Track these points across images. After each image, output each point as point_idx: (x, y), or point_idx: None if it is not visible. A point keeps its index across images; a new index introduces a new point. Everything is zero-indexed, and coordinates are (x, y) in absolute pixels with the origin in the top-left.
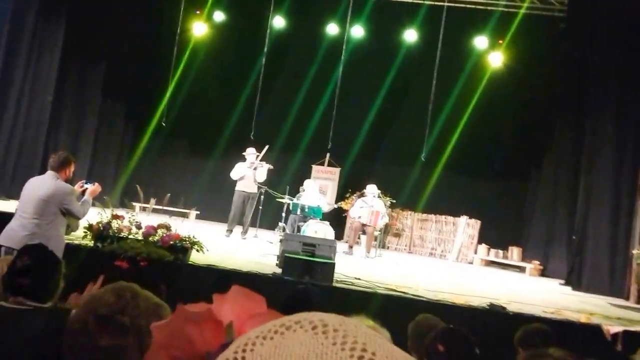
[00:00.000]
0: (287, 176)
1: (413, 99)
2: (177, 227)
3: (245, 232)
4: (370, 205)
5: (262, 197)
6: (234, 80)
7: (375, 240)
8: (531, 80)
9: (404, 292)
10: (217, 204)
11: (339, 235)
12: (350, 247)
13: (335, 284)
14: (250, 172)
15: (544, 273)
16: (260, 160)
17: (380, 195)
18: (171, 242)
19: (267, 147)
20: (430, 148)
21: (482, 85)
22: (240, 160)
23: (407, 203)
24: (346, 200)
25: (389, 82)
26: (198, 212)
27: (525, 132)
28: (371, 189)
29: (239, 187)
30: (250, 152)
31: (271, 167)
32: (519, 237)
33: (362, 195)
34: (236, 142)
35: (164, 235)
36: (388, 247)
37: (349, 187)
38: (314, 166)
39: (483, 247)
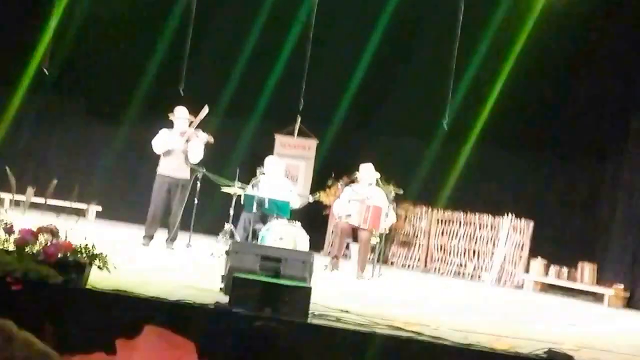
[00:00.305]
0: (236, 153)
1: (429, 41)
2: (68, 231)
3: (172, 239)
4: (365, 198)
5: (199, 184)
6: (155, 7)
7: (373, 251)
8: (606, 15)
9: (417, 332)
10: (128, 195)
11: (317, 244)
12: (335, 261)
13: (311, 320)
14: (180, 145)
15: (630, 303)
16: (196, 129)
17: (381, 181)
18: (59, 255)
19: (205, 108)
20: (456, 111)
21: (532, 22)
22: (165, 126)
23: (422, 195)
24: (327, 190)
25: (391, 15)
26: (100, 209)
27: (600, 94)
28: (366, 173)
29: (162, 169)
30: (181, 115)
31: (211, 139)
32: (593, 249)
33: (353, 181)
34: (158, 101)
35: (49, 244)
36: (392, 263)
37: (331, 169)
38: (277, 136)
39: (538, 263)
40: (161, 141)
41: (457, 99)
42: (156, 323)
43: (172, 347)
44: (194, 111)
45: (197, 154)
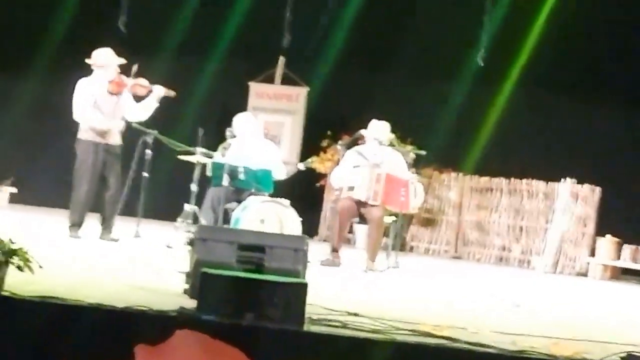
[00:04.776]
0: (197, 109)
1: None
2: None
3: (107, 226)
4: (374, 163)
5: (148, 151)
6: None
7: (387, 234)
8: None
9: (450, 338)
10: (50, 171)
11: (311, 228)
12: (335, 249)
13: (309, 327)
14: (112, 100)
15: None
16: (136, 77)
17: (395, 141)
18: None
19: (136, 66)
20: (493, 43)
21: None
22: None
23: (449, 156)
24: (322, 155)
25: None
26: (15, 190)
27: None
28: (376, 130)
29: (85, 133)
30: (105, 60)
31: (171, 92)
32: None
33: (357, 142)
34: (89, 42)
35: None
36: (412, 249)
37: (326, 126)
38: (252, 85)
39: (607, 242)
40: (85, 100)
41: (495, 24)
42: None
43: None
44: (125, 53)
45: (140, 111)
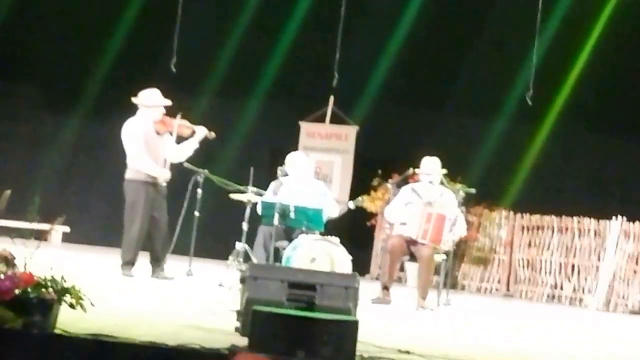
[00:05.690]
0: (249, 148)
1: None
2: (27, 259)
3: (159, 265)
4: (426, 202)
5: (200, 190)
6: None
7: (438, 272)
8: None
9: None
10: (102, 210)
11: (362, 266)
12: (386, 287)
13: None
14: (158, 140)
15: None
16: (182, 119)
17: (445, 180)
18: (17, 291)
19: (179, 115)
20: (542, 81)
21: None
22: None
23: (500, 194)
24: (373, 194)
25: None
26: (68, 229)
27: None
28: (429, 167)
29: (135, 173)
30: (153, 101)
31: (211, 134)
32: None
33: (407, 180)
34: (141, 83)
35: (2, 276)
36: (463, 287)
37: (376, 166)
38: (303, 124)
39: None
40: (135, 138)
41: (544, 63)
42: None
43: None
44: (170, 93)
45: (183, 152)
